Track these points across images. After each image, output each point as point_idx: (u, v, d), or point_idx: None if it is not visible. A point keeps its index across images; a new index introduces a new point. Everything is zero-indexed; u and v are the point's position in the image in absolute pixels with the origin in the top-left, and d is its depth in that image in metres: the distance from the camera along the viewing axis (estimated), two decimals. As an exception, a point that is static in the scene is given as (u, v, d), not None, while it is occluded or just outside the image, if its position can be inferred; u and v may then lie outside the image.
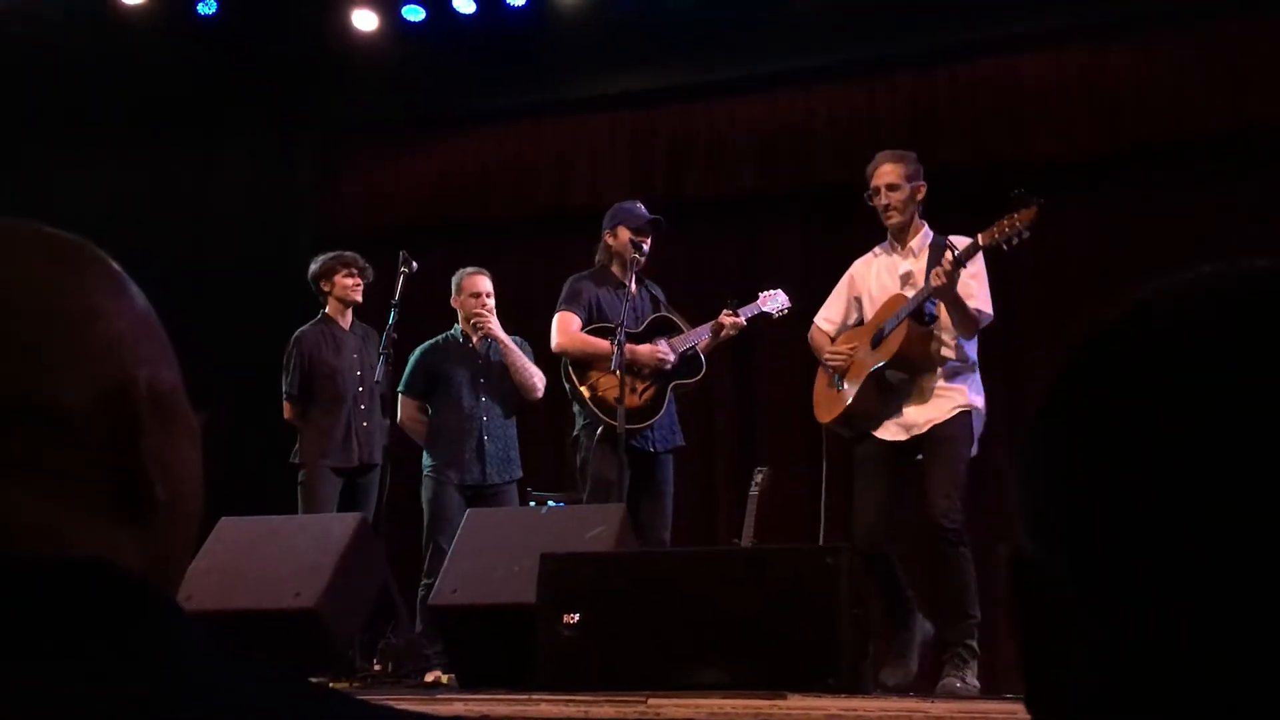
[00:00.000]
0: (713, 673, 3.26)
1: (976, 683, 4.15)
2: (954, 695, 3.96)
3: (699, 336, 5.09)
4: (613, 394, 4.93)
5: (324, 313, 5.87)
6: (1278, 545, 0.48)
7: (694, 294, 6.17)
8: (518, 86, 7.29)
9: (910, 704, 3.11)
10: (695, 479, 5.49)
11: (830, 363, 4.71)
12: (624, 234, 5.13)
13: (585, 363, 5.07)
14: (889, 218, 4.62)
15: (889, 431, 4.52)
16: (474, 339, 5.56)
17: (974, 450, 4.48)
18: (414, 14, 7.25)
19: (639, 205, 5.24)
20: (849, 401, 4.60)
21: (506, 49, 7.20)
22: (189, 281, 7.31)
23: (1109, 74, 6.36)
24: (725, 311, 5.10)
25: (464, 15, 7.19)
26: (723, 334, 5.10)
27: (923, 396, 4.51)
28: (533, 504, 5.48)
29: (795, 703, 2.96)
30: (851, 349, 4.68)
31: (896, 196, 4.59)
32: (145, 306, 0.73)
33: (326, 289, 5.83)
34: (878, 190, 4.63)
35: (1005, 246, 4.35)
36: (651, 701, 2.97)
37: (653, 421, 4.98)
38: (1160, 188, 6.42)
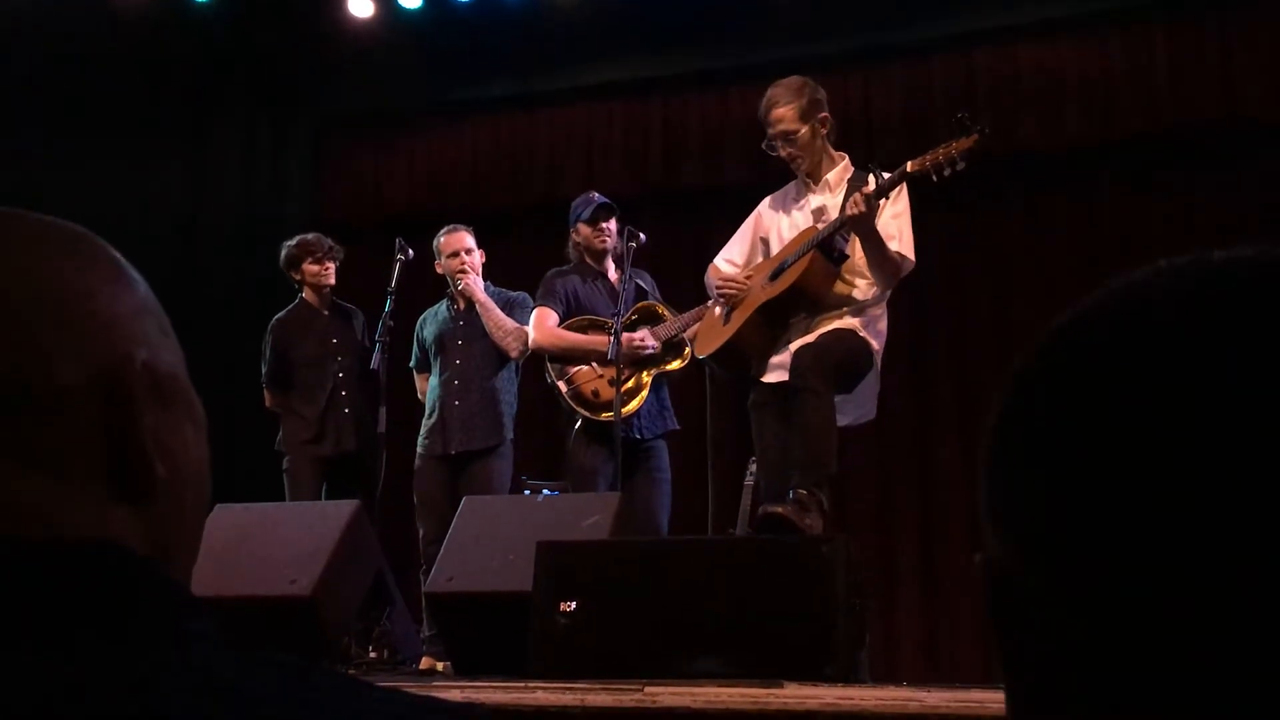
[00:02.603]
0: (709, 661, 3.26)
1: (816, 525, 3.73)
2: (780, 526, 3.67)
3: (685, 323, 5.08)
4: (589, 387, 4.95)
5: (301, 298, 5.81)
6: (1251, 536, 0.48)
7: (690, 283, 6.16)
8: (513, 75, 7.28)
9: (906, 693, 3.12)
10: (690, 468, 5.48)
11: (722, 292, 4.30)
12: (583, 228, 5.15)
13: (562, 357, 5.07)
14: (796, 165, 4.21)
15: (773, 374, 4.12)
16: (459, 302, 5.47)
17: (858, 381, 4.09)
18: (410, 1, 7.23)
19: (592, 195, 5.23)
20: (731, 334, 4.17)
21: (502, 37, 7.18)
22: (182, 270, 7.29)
23: (1101, 67, 6.37)
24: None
25: (460, 3, 7.17)
26: None
27: (812, 335, 4.05)
28: (527, 492, 5.48)
29: (792, 691, 2.96)
30: (748, 279, 4.27)
31: (796, 147, 4.17)
32: (146, 293, 0.74)
33: (297, 277, 5.78)
34: (775, 140, 4.20)
35: (936, 176, 3.88)
36: (648, 690, 2.97)
37: (631, 410, 4.93)
38: (1153, 180, 6.43)
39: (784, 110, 4.17)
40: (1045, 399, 0.54)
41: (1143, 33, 6.31)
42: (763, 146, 4.27)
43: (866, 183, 3.95)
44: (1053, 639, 0.53)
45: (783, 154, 4.21)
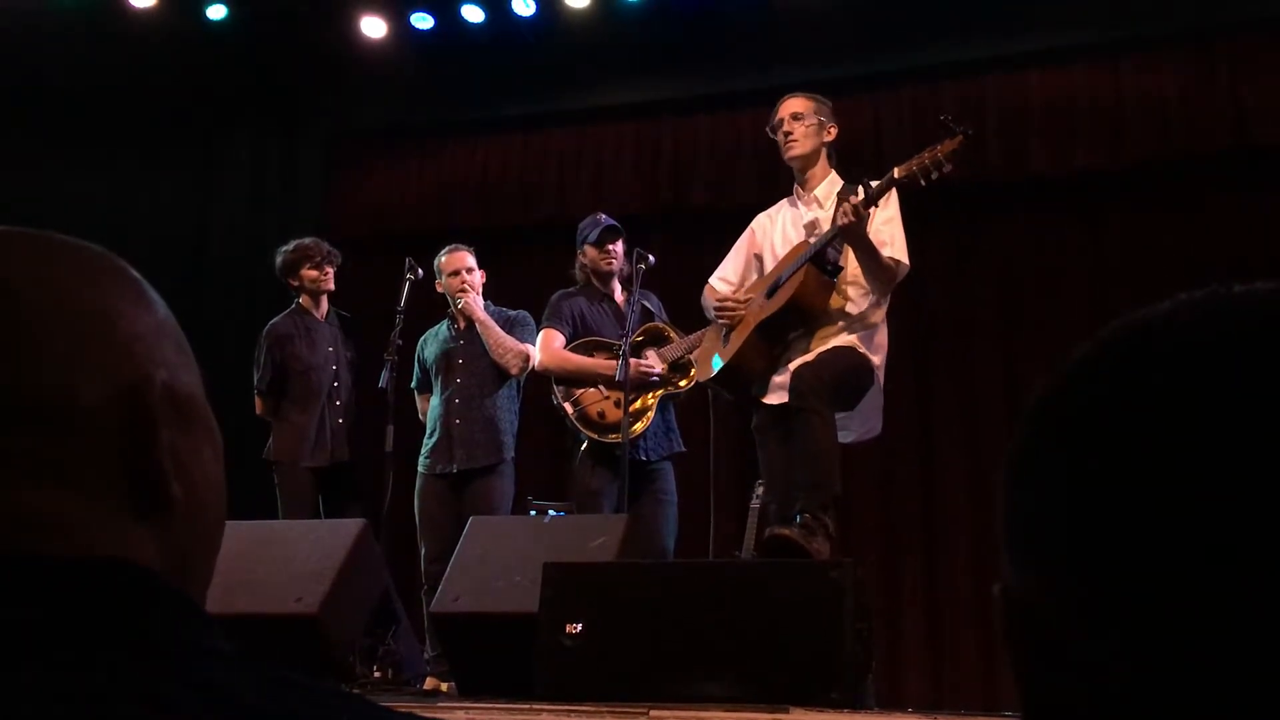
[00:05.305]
0: (715, 685, 3.25)
1: (823, 550, 3.73)
2: (786, 549, 3.69)
3: (691, 344, 5.08)
4: (595, 409, 4.95)
5: (297, 303, 5.71)
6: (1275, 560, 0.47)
7: (699, 304, 6.17)
8: (523, 95, 7.30)
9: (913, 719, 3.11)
10: (696, 490, 5.47)
11: (720, 316, 4.31)
12: (590, 250, 5.16)
13: (568, 379, 5.06)
14: (789, 148, 4.20)
15: (775, 395, 4.12)
16: (459, 321, 5.44)
17: (860, 397, 4.09)
18: (423, 22, 7.26)
19: (599, 216, 5.24)
20: (731, 355, 4.18)
21: (513, 58, 7.21)
22: (191, 286, 7.30)
23: (1112, 94, 6.38)
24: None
25: (472, 24, 7.20)
26: None
27: (812, 353, 4.05)
28: (533, 513, 5.46)
29: (798, 717, 2.95)
30: (747, 300, 4.27)
31: (800, 126, 4.18)
32: (166, 314, 0.74)
33: (295, 283, 5.68)
34: (781, 123, 4.22)
35: (924, 181, 3.87)
36: (653, 713, 2.96)
37: (637, 432, 4.91)
38: (1163, 207, 6.43)
39: (798, 99, 4.26)
40: (1066, 428, 0.54)
41: (1153, 60, 6.32)
42: (766, 129, 4.31)
43: (855, 193, 3.95)
44: (1075, 668, 0.52)
45: (784, 131, 4.22)
